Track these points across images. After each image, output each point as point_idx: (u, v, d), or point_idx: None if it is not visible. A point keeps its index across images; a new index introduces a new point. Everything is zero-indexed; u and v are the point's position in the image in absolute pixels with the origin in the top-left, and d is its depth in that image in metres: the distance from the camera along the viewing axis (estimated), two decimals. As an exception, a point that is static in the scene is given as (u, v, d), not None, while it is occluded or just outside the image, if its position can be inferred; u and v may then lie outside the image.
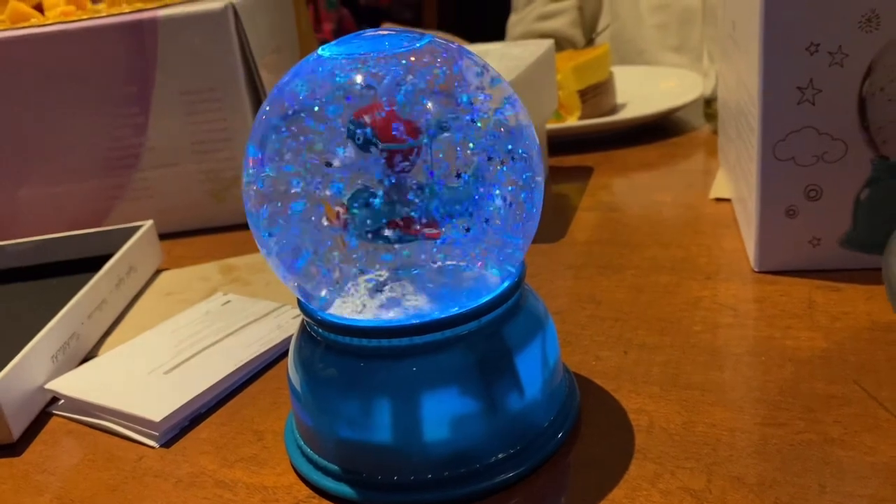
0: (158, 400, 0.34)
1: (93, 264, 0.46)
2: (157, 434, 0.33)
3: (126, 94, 0.55)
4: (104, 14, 0.55)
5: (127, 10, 0.56)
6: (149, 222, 0.51)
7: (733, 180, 0.48)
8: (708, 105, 0.65)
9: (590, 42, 1.03)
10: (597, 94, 0.69)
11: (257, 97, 0.57)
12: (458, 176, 0.26)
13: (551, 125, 0.64)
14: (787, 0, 0.35)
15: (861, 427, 0.29)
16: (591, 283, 0.42)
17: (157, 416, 0.33)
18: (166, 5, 0.56)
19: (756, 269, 0.41)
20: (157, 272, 0.51)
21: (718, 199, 0.51)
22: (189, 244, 0.57)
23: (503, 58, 0.54)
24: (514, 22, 1.12)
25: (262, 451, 0.32)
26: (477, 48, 0.58)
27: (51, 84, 0.55)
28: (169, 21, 0.54)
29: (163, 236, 0.55)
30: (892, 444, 0.28)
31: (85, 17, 0.56)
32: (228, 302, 0.44)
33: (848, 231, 0.39)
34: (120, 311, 0.46)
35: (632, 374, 0.34)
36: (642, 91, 0.73)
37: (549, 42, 0.56)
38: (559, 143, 0.65)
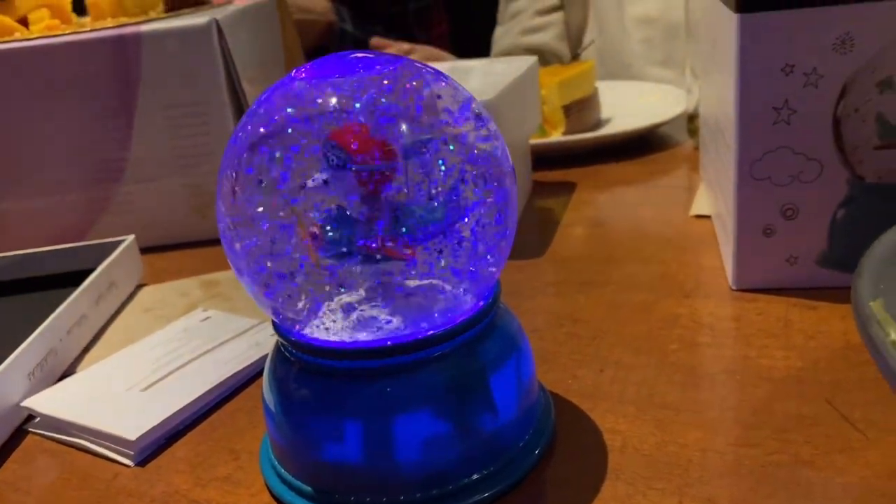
0: (134, 418, 0.34)
1: (74, 279, 0.46)
2: (132, 453, 0.33)
3: (110, 108, 0.55)
4: (88, 28, 0.56)
5: (111, 25, 0.56)
6: (130, 237, 0.51)
7: (713, 197, 0.48)
8: (691, 121, 0.65)
9: (576, 57, 1.03)
10: (581, 110, 0.69)
11: (240, 111, 0.57)
12: (431, 198, 0.26)
13: (535, 140, 0.64)
14: (762, 21, 0.36)
15: (832, 448, 0.29)
16: (571, 301, 0.42)
17: (132, 434, 0.33)
18: (150, 20, 0.56)
19: (733, 288, 0.41)
20: (139, 287, 0.51)
21: (699, 216, 0.51)
22: (171, 258, 0.57)
23: (487, 74, 0.54)
24: (500, 34, 1.12)
25: (236, 470, 0.32)
26: (461, 64, 0.59)
27: (34, 97, 0.55)
28: (152, 36, 0.54)
29: (145, 250, 0.55)
30: (862, 464, 0.28)
31: (69, 31, 0.56)
32: (208, 318, 0.44)
33: (824, 250, 0.39)
34: (100, 327, 0.46)
35: (607, 393, 0.34)
36: (627, 106, 0.74)
37: (532, 59, 0.57)
38: (543, 158, 0.65)
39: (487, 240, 0.28)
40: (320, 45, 1.05)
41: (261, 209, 0.27)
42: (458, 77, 0.56)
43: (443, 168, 0.27)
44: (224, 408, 0.37)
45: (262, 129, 0.27)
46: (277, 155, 0.27)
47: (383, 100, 0.27)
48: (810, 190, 0.38)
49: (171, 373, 0.38)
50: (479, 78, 0.55)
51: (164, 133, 0.56)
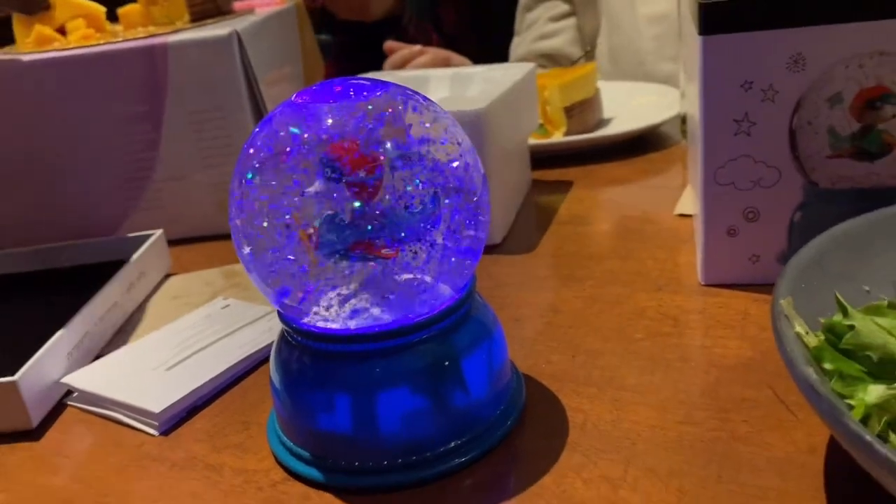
0: (159, 393, 0.39)
1: (108, 269, 0.51)
2: (156, 423, 0.38)
3: (140, 113, 0.60)
4: (120, 38, 0.60)
5: (142, 34, 0.61)
6: (158, 231, 0.56)
7: (694, 197, 0.52)
8: (684, 122, 0.68)
9: (587, 54, 1.07)
10: (583, 111, 0.73)
11: (259, 114, 0.61)
12: (411, 206, 0.31)
13: (536, 140, 0.68)
14: (723, 42, 0.39)
15: (765, 426, 0.33)
16: (553, 293, 0.46)
17: (157, 407, 0.38)
18: (177, 30, 0.60)
19: (702, 283, 0.45)
20: (167, 276, 0.56)
21: (682, 215, 0.55)
22: (196, 250, 0.61)
23: (485, 81, 0.58)
24: (517, 44, 1.16)
25: (247, 439, 0.37)
26: (463, 72, 0.63)
27: (72, 101, 0.60)
28: (178, 46, 0.59)
29: (173, 243, 0.60)
30: (788, 441, 0.32)
31: (103, 41, 0.61)
32: (228, 306, 0.49)
33: (784, 249, 0.43)
34: (131, 313, 0.51)
35: (575, 376, 0.38)
36: (628, 106, 0.77)
37: (530, 65, 0.60)
38: (544, 158, 0.69)
39: (461, 241, 0.32)
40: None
41: (265, 215, 0.31)
42: (459, 84, 0.61)
43: (421, 180, 0.31)
44: (239, 385, 0.41)
45: (267, 144, 0.32)
46: (280, 167, 0.31)
47: (370, 122, 0.31)
48: (770, 195, 0.42)
49: (193, 354, 0.43)
50: (478, 85, 0.59)
51: (189, 135, 0.61)
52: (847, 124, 0.40)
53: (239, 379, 0.42)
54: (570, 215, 0.58)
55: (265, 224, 0.31)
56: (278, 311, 0.34)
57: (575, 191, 0.63)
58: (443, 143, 0.32)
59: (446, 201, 0.31)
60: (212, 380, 0.40)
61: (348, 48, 1.18)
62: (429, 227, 0.32)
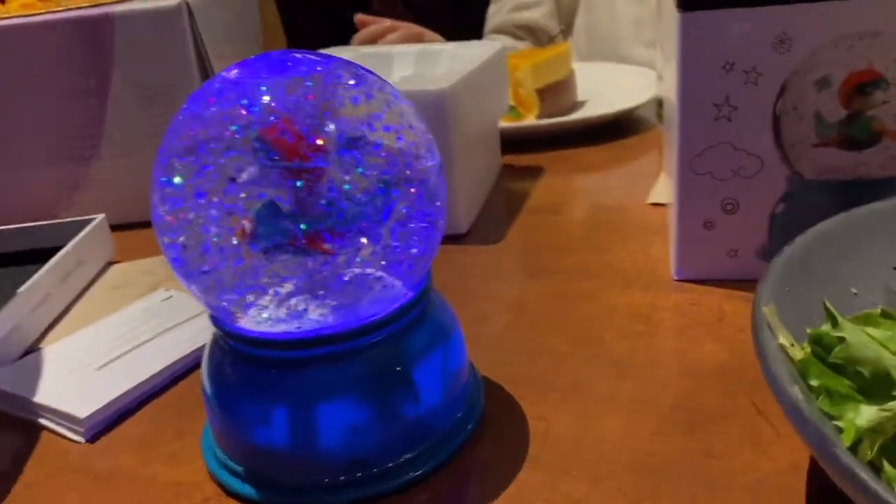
0: (86, 396, 0.36)
1: (43, 256, 0.47)
2: (82, 430, 0.35)
3: (84, 87, 0.56)
4: (63, 8, 0.56)
5: (87, 3, 0.57)
6: (100, 216, 0.52)
7: (668, 186, 0.49)
8: (661, 106, 0.65)
9: (563, 32, 1.03)
10: (557, 93, 0.70)
11: (213, 92, 0.58)
12: (354, 194, 0.27)
13: (506, 123, 0.65)
14: (703, 20, 0.36)
15: (743, 442, 0.30)
16: (519, 288, 0.43)
17: (82, 412, 0.35)
18: (124, 1, 0.56)
19: (676, 278, 0.42)
20: (109, 265, 0.53)
21: (656, 204, 0.52)
22: (143, 236, 0.58)
23: (452, 59, 0.55)
24: (493, 12, 1.12)
25: (180, 449, 0.34)
26: (431, 48, 0.59)
27: (10, 74, 0.56)
28: (124, 17, 0.54)
29: (119, 227, 0.56)
30: (769, 459, 0.29)
31: (45, 10, 0.56)
32: (170, 297, 0.45)
33: (764, 244, 0.40)
34: (66, 305, 0.47)
35: (539, 381, 0.35)
36: (603, 89, 0.74)
37: (499, 44, 0.57)
38: (515, 141, 0.66)
39: (413, 234, 0.29)
40: None
41: (191, 204, 0.28)
42: (424, 61, 0.57)
43: (366, 166, 0.28)
44: (176, 387, 0.38)
45: (194, 124, 0.28)
46: (208, 150, 0.28)
47: (312, 100, 0.27)
48: (750, 185, 0.39)
49: (126, 352, 0.39)
50: (445, 63, 0.55)
51: (137, 111, 0.57)
52: (835, 110, 0.37)
53: (177, 380, 0.38)
54: (541, 203, 0.55)
55: (191, 215, 0.28)
56: (209, 314, 0.31)
57: (546, 177, 0.60)
58: (394, 127, 0.29)
59: (396, 191, 0.28)
60: (145, 381, 0.37)
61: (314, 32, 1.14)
62: (377, 218, 0.28)
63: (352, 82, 0.28)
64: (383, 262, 0.29)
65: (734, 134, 0.38)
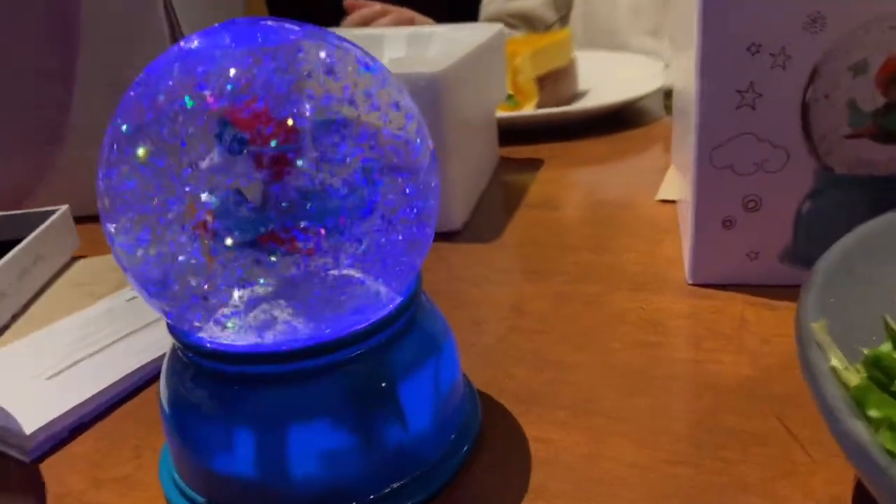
0: (33, 410, 0.32)
1: (1, 250, 0.43)
2: (26, 448, 0.31)
3: (48, 70, 0.52)
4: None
5: (52, -22, 0.52)
6: (63, 207, 0.48)
7: (680, 181, 0.45)
8: (668, 97, 0.62)
9: (561, 20, 1.00)
10: (556, 81, 0.66)
11: (189, 75, 0.54)
12: (333, 185, 0.24)
13: (504, 113, 0.61)
14: (728, -4, 0.33)
15: (773, 470, 0.26)
16: (517, 291, 0.40)
17: (28, 427, 0.31)
18: (92, -26, 0.52)
19: (690, 282, 0.38)
20: (74, 259, 0.49)
21: (665, 201, 0.48)
22: (113, 229, 0.54)
23: (447, 42, 0.51)
24: (487, 1, 1.09)
25: (136, 470, 0.30)
26: (423, 31, 0.55)
27: (-31, 55, 0.52)
28: (91, -9, 0.50)
29: (86, 219, 0.52)
30: (804, 490, 0.25)
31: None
32: (135, 297, 0.41)
33: (788, 245, 0.36)
34: (23, 304, 0.43)
35: (542, 396, 0.31)
36: (606, 78, 0.71)
37: (497, 26, 0.53)
38: (513, 132, 0.62)
39: (400, 232, 0.25)
40: None
41: (145, 195, 0.24)
42: (417, 44, 0.53)
43: (348, 152, 0.24)
44: (135, 399, 0.34)
45: (148, 103, 0.24)
46: (165, 133, 0.24)
47: (283, 75, 0.24)
48: (775, 180, 0.35)
49: (82, 359, 0.35)
50: (440, 45, 0.52)
51: (106, 96, 0.53)
52: (871, 98, 0.33)
53: (137, 391, 0.35)
54: (540, 198, 0.51)
55: (142, 206, 0.24)
56: (166, 321, 0.27)
57: (546, 170, 0.56)
58: (380, 108, 0.25)
59: (381, 181, 0.24)
60: (101, 392, 0.33)
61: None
62: (359, 213, 0.24)
63: (331, 55, 0.25)
64: (366, 264, 0.25)
65: (758, 124, 0.34)
